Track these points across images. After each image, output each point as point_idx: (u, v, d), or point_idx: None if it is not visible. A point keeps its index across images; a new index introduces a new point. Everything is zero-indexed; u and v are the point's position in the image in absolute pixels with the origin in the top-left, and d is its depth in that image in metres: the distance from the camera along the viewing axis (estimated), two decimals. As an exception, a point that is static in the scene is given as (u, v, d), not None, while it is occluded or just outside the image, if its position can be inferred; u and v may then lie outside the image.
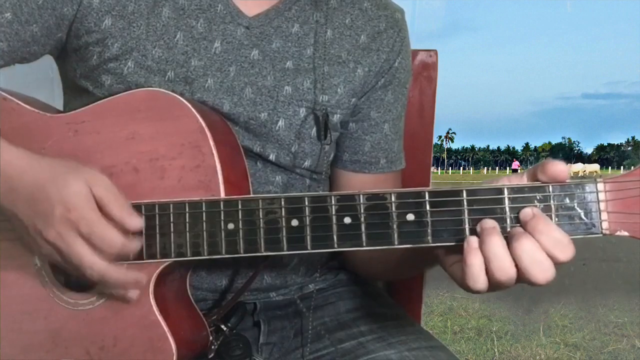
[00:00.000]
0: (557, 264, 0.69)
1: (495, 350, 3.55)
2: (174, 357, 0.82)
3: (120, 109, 0.86)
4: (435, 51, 1.38)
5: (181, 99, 0.84)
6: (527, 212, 0.70)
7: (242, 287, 0.96)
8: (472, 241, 0.70)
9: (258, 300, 1.04)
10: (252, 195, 0.81)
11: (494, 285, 0.70)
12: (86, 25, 0.93)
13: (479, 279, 0.70)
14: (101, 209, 0.79)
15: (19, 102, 0.91)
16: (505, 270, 0.69)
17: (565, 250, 0.68)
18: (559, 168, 0.70)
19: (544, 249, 0.68)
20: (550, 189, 0.70)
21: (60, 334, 0.86)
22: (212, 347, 0.92)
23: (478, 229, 0.71)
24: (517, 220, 0.71)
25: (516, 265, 0.69)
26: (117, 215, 0.80)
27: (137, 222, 0.81)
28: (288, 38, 0.99)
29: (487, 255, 0.69)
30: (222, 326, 0.94)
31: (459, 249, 0.72)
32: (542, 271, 0.68)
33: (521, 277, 0.69)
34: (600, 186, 0.69)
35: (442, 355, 0.93)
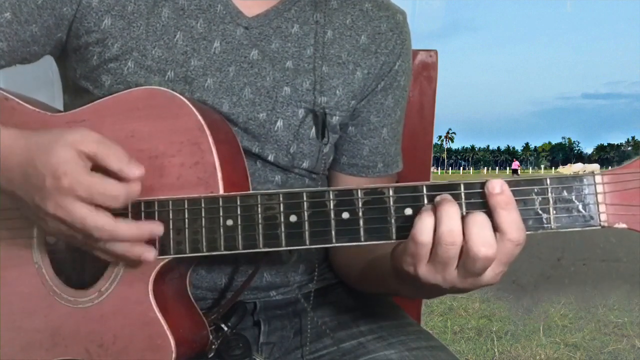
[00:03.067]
0: (508, 243, 0.69)
1: (495, 350, 3.55)
2: (173, 355, 0.82)
3: (119, 108, 0.86)
4: (435, 51, 1.38)
5: (180, 96, 0.84)
6: (493, 189, 0.70)
7: (242, 285, 0.97)
8: (428, 205, 0.71)
9: (258, 300, 1.04)
10: (250, 192, 0.81)
11: (436, 256, 0.70)
12: (86, 25, 0.93)
13: (424, 232, 0.70)
14: (97, 163, 0.78)
15: (20, 102, 0.91)
16: (453, 234, 0.69)
17: (519, 232, 0.69)
18: (491, 184, 0.70)
19: (497, 224, 0.69)
20: (548, 181, 0.70)
21: (60, 332, 0.86)
22: (212, 346, 0.92)
23: (437, 199, 0.72)
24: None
25: (463, 237, 0.69)
26: (115, 166, 0.77)
27: (136, 169, 0.78)
28: (287, 38, 0.99)
29: (442, 217, 0.69)
30: (222, 325, 0.94)
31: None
32: (485, 244, 0.68)
33: (466, 251, 0.69)
34: (599, 179, 0.69)
35: (442, 355, 0.93)
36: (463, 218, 0.69)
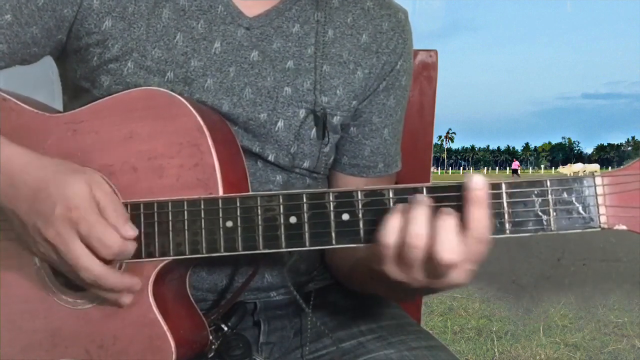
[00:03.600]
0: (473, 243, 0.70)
1: (495, 350, 3.55)
2: (173, 356, 0.82)
3: (118, 108, 0.86)
4: (435, 51, 1.38)
5: (179, 97, 0.84)
6: (472, 188, 0.70)
7: (241, 285, 0.96)
8: (400, 205, 0.72)
9: (258, 300, 1.03)
10: (250, 193, 0.81)
11: (402, 256, 0.71)
12: (86, 26, 0.93)
13: (390, 234, 0.71)
14: (99, 212, 0.80)
15: (18, 102, 0.91)
16: (420, 237, 0.69)
17: (484, 230, 0.70)
18: (473, 179, 0.70)
19: (465, 220, 0.69)
20: (548, 183, 0.70)
21: (60, 333, 0.86)
22: (212, 346, 0.92)
23: (410, 198, 0.72)
24: (515, 215, 0.71)
25: (430, 238, 0.69)
26: (113, 222, 0.80)
27: (131, 231, 0.81)
28: (288, 38, 0.98)
29: (410, 219, 0.70)
30: (222, 326, 0.94)
31: None
32: (450, 249, 0.69)
33: (431, 252, 0.70)
34: (599, 180, 0.69)
35: (442, 355, 0.93)
36: (433, 218, 0.70)
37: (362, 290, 0.98)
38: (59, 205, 0.78)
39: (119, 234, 0.80)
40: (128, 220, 0.81)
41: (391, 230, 0.71)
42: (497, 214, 0.72)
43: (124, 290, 0.82)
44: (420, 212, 0.70)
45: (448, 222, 0.69)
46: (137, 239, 0.82)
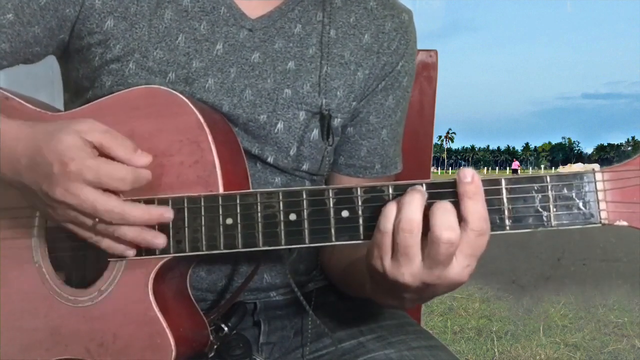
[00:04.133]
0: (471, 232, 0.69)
1: (495, 350, 3.55)
2: (173, 354, 0.82)
3: (119, 107, 0.86)
4: (435, 51, 1.38)
5: (180, 95, 0.84)
6: (466, 174, 0.70)
7: (241, 284, 0.96)
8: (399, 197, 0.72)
9: (258, 300, 1.03)
10: (250, 190, 0.81)
11: (397, 246, 0.70)
12: (88, 26, 0.93)
13: (388, 222, 0.70)
14: (103, 153, 0.78)
15: (21, 101, 0.91)
16: (412, 223, 0.69)
17: (481, 221, 0.69)
18: (462, 172, 0.70)
19: (461, 213, 0.69)
20: (548, 179, 0.70)
21: (60, 331, 0.86)
22: (213, 346, 0.92)
23: (408, 189, 0.72)
24: (515, 211, 0.71)
25: (427, 225, 0.69)
26: (122, 154, 0.79)
27: (144, 158, 0.80)
28: (290, 39, 0.98)
29: (403, 206, 0.69)
30: (223, 325, 0.94)
31: None
32: (448, 227, 0.68)
33: (430, 239, 0.69)
34: (599, 176, 0.68)
35: (442, 355, 0.93)
36: (428, 207, 0.70)
37: (357, 293, 0.96)
38: (55, 164, 0.77)
39: (133, 165, 0.79)
40: (136, 149, 0.80)
41: (388, 217, 0.70)
42: (497, 209, 0.71)
43: (155, 221, 0.80)
44: (414, 198, 0.70)
45: (444, 204, 0.69)
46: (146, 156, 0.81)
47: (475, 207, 0.69)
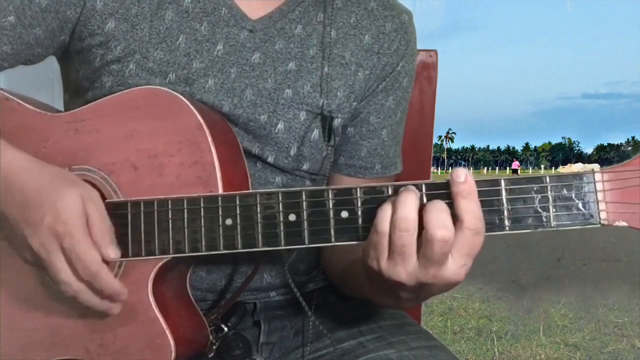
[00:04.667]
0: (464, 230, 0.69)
1: (495, 350, 3.55)
2: (173, 355, 0.82)
3: (119, 107, 0.86)
4: (435, 51, 1.38)
5: (180, 96, 0.84)
6: (459, 173, 0.71)
7: (241, 285, 0.97)
8: (394, 196, 0.72)
9: (258, 300, 1.03)
10: (249, 191, 0.81)
11: (394, 247, 0.70)
12: (89, 28, 0.93)
13: (384, 223, 0.70)
14: (87, 226, 0.80)
15: (20, 102, 0.91)
16: (408, 221, 0.69)
17: (476, 220, 0.69)
18: (455, 173, 0.70)
19: (456, 213, 0.69)
20: (548, 179, 0.70)
21: (60, 331, 0.86)
22: (213, 346, 0.92)
23: (402, 189, 0.72)
24: (514, 212, 0.71)
25: (421, 224, 0.69)
26: (98, 240, 0.80)
27: (113, 253, 0.81)
28: (291, 39, 0.98)
29: (398, 204, 0.70)
30: (222, 326, 0.94)
31: None
32: (441, 226, 0.68)
33: (424, 238, 0.69)
34: (598, 176, 0.68)
35: (442, 355, 0.93)
36: (423, 206, 0.70)
37: (356, 293, 0.97)
38: (48, 216, 0.78)
39: (101, 253, 0.80)
40: (113, 242, 0.81)
41: (383, 217, 0.71)
42: (496, 210, 0.71)
43: (103, 308, 0.82)
44: (408, 197, 0.70)
45: (438, 203, 0.70)
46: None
47: (470, 205, 0.69)
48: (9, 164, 0.81)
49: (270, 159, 0.97)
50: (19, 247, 0.82)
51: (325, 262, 1.08)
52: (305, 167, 1.00)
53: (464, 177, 0.70)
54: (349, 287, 1.00)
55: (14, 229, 0.81)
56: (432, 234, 0.68)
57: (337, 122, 1.00)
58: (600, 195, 0.68)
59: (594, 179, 0.69)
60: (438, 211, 0.69)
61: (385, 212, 0.71)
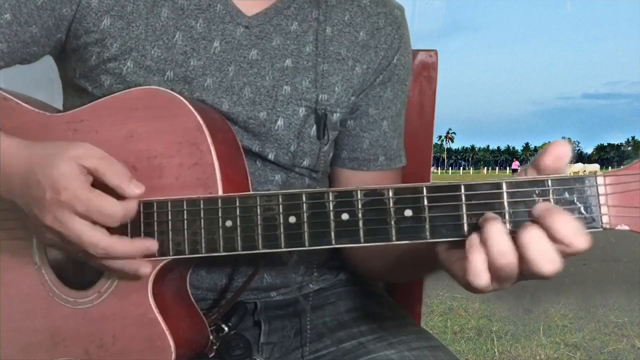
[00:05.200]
0: (574, 254, 0.65)
1: (495, 350, 3.55)
2: (173, 356, 0.82)
3: (118, 108, 0.86)
4: (435, 51, 1.38)
5: (179, 97, 0.84)
6: (539, 206, 0.67)
7: (241, 285, 0.96)
8: (474, 237, 0.67)
9: (258, 300, 1.03)
10: (249, 193, 0.81)
11: (497, 278, 0.67)
12: (85, 25, 0.93)
13: (481, 275, 0.66)
14: (97, 179, 0.79)
15: (19, 102, 0.91)
16: (506, 255, 0.65)
17: (585, 237, 0.65)
18: (560, 149, 0.66)
19: (558, 237, 0.64)
20: (550, 183, 0.69)
21: (60, 332, 0.86)
22: (213, 346, 0.92)
23: (480, 220, 0.68)
24: (515, 215, 0.70)
25: (522, 257, 0.65)
26: (115, 183, 0.79)
27: (136, 189, 0.79)
28: (287, 36, 0.98)
29: (488, 241, 0.66)
30: (223, 326, 0.94)
31: (459, 246, 0.70)
32: (548, 260, 0.64)
33: (527, 269, 0.66)
34: (600, 180, 0.68)
35: (442, 355, 0.93)
36: (517, 234, 0.66)
37: (409, 278, 1.01)
38: (48, 190, 0.77)
39: (124, 193, 0.79)
40: (131, 177, 0.80)
41: (478, 267, 0.66)
42: (497, 213, 0.71)
43: (140, 255, 0.80)
44: (498, 230, 0.66)
45: (534, 232, 0.65)
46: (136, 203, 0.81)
47: (574, 223, 0.65)
48: (4, 151, 0.81)
49: (270, 156, 0.97)
50: (36, 230, 0.81)
51: (361, 255, 1.05)
52: (305, 163, 1.00)
53: (544, 207, 0.66)
54: (400, 273, 1.00)
55: (26, 213, 0.80)
56: (542, 270, 0.65)
57: (335, 117, 1.00)
58: (602, 199, 0.67)
59: (596, 183, 0.68)
60: (540, 239, 0.65)
61: (477, 264, 0.66)
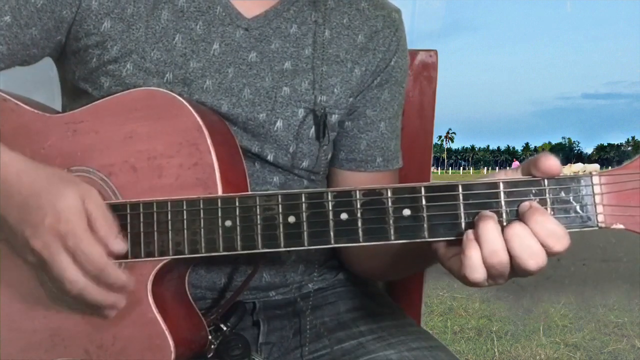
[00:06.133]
0: (552, 254, 0.69)
1: (495, 350, 3.55)
2: (172, 355, 0.82)
3: (118, 109, 0.86)
4: (435, 51, 1.38)
5: (179, 97, 0.85)
6: (524, 205, 0.71)
7: (241, 285, 0.97)
8: (470, 233, 0.71)
9: (257, 300, 1.04)
10: (249, 193, 0.81)
11: (491, 275, 0.70)
12: (85, 27, 0.93)
13: (476, 270, 0.70)
14: (89, 224, 0.79)
15: (19, 103, 0.91)
16: (498, 254, 0.69)
17: (560, 241, 0.69)
18: (551, 163, 0.70)
19: (537, 236, 0.68)
20: (546, 182, 0.70)
21: (59, 333, 0.86)
22: (212, 346, 0.92)
23: (476, 218, 0.71)
24: (512, 214, 0.72)
25: (508, 253, 0.69)
26: (103, 235, 0.79)
27: (120, 245, 0.80)
28: (287, 39, 0.99)
29: (481, 239, 0.69)
30: (222, 325, 0.94)
31: (456, 242, 0.72)
32: (531, 255, 0.68)
33: (514, 265, 0.69)
34: (596, 179, 0.69)
35: (442, 355, 0.93)
36: (503, 231, 0.70)
37: (409, 274, 1.03)
38: (48, 217, 0.78)
39: (108, 247, 0.79)
40: (118, 235, 0.81)
41: (473, 263, 0.70)
42: (495, 212, 0.71)
43: (108, 306, 0.81)
44: (490, 228, 0.70)
45: (518, 229, 0.69)
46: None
47: (551, 225, 0.69)
48: (5, 166, 0.81)
49: (269, 157, 0.98)
50: (20, 249, 0.82)
51: (361, 255, 1.07)
52: (304, 164, 1.00)
53: (528, 206, 0.70)
54: (398, 271, 1.03)
55: (14, 231, 0.81)
56: (526, 265, 0.69)
57: (334, 118, 1.01)
58: (598, 198, 0.68)
59: (592, 182, 0.69)
60: (524, 236, 0.69)
61: (473, 258, 0.70)
